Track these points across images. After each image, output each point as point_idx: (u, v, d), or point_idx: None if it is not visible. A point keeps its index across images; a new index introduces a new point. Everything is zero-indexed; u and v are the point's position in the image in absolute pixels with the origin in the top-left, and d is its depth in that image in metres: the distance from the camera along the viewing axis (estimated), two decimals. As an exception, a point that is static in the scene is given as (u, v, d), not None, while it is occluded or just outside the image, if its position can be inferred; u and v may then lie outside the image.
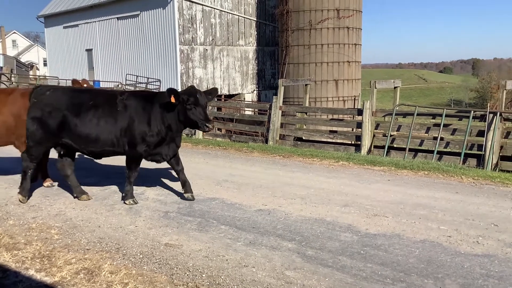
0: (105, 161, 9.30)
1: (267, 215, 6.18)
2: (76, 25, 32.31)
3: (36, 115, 6.61)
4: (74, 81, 9.31)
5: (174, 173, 8.31)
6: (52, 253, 4.99)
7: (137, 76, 26.29)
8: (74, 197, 7.03)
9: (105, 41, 29.99)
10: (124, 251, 5.01)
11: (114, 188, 7.56)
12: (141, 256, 4.89)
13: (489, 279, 4.29)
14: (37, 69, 62.58)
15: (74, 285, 4.29)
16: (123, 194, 6.86)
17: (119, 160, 8.56)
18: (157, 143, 6.64)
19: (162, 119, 6.54)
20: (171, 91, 6.38)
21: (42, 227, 5.80)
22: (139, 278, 4.39)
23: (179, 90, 6.51)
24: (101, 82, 28.20)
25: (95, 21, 30.39)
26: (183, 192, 6.95)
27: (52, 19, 34.90)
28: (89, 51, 31.64)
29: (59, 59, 35.30)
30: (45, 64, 53.60)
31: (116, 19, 28.59)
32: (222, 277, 4.39)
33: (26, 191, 6.91)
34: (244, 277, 4.39)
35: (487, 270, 4.49)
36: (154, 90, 20.76)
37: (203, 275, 4.43)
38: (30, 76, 39.23)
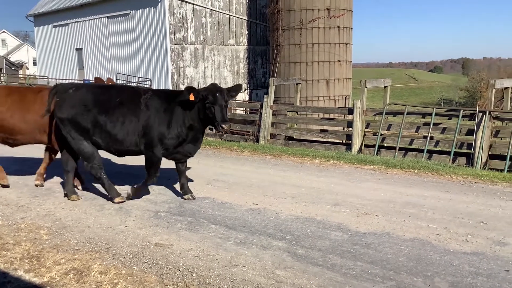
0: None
1: (257, 214, 6.17)
2: (66, 24, 32.12)
3: (63, 115, 6.46)
4: (97, 80, 9.03)
5: (164, 172, 8.30)
6: (41, 253, 4.96)
7: (127, 75, 26.18)
8: (64, 196, 6.98)
9: (95, 40, 29.84)
10: (114, 251, 4.99)
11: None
12: (131, 256, 4.87)
13: (478, 277, 4.32)
14: (27, 68, 62.17)
15: (63, 286, 4.26)
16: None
17: (112, 160, 8.53)
18: (177, 144, 6.54)
19: (183, 120, 6.43)
20: (190, 89, 6.26)
21: (31, 227, 5.76)
22: (128, 278, 4.37)
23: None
24: (91, 82, 28.06)
25: (85, 20, 30.22)
26: (182, 193, 6.92)
27: (41, 18, 34.67)
28: (79, 50, 31.47)
29: (49, 58, 35.08)
30: (34, 64, 53.26)
31: (106, 18, 28.45)
32: (212, 276, 4.38)
33: (115, 192, 6.75)
34: (235, 276, 4.38)
35: (476, 268, 4.52)
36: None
37: (193, 275, 4.42)
38: (20, 76, 38.94)
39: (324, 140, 13.84)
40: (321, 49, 22.47)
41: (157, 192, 7.30)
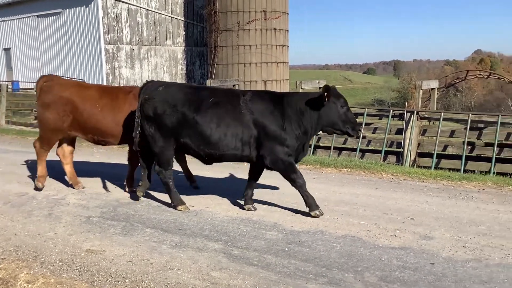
0: (24, 166, 8.86)
1: (194, 216, 6.14)
2: (-8, 23, 30.55)
3: (151, 114, 6.11)
4: None
5: (97, 176, 8.06)
6: (-37, 265, 4.69)
7: (59, 76, 25.28)
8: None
9: (24, 39, 28.59)
10: (42, 259, 4.79)
11: (32, 193, 7.21)
12: (60, 263, 4.70)
13: (405, 271, 4.50)
14: (-51, 68, 58.48)
15: (-14, 298, 4.05)
16: (307, 208, 6.14)
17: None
18: (295, 149, 6.12)
19: (298, 122, 5.97)
20: (328, 88, 5.79)
21: (-49, 237, 5.43)
22: (57, 286, 4.21)
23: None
24: (20, 83, 26.87)
25: (14, 19, 28.91)
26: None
27: (-35, 16, 32.76)
28: (7, 50, 30.05)
29: (-27, 58, 33.20)
30: (-42, 64, 50.21)
31: (36, 17, 27.34)
32: (146, 281, 4.31)
33: (179, 200, 6.40)
34: (169, 280, 4.34)
35: (403, 262, 4.71)
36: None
37: (126, 281, 4.33)
38: None
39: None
40: (258, 50, 22.69)
41: (89, 196, 7.08)
